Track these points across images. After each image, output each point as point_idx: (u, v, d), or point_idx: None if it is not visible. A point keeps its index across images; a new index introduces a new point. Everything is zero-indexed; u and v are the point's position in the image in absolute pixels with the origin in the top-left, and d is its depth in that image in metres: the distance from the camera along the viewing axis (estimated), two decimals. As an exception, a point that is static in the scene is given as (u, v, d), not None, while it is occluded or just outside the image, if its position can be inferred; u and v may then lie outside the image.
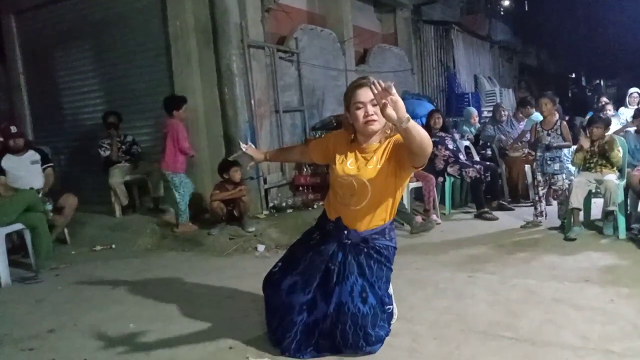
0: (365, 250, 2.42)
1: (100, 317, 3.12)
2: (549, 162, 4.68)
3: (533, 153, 5.20)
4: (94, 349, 2.64)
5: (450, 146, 5.77)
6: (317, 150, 2.63)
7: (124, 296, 3.51)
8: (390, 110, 1.91)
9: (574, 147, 4.81)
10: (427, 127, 5.94)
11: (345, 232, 2.41)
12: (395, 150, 2.32)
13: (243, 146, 2.87)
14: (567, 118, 6.28)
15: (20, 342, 2.81)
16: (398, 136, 2.28)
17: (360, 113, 2.30)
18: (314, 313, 2.41)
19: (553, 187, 4.78)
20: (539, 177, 4.76)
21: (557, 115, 4.78)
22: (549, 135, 4.67)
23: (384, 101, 1.90)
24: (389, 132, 2.38)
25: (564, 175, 4.73)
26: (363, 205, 2.38)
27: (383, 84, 1.89)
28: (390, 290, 2.68)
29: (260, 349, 2.49)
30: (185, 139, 5.01)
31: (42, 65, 6.99)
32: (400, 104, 1.90)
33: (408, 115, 1.94)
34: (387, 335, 2.47)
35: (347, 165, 2.41)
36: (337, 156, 2.46)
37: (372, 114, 2.28)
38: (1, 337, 2.89)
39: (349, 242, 2.41)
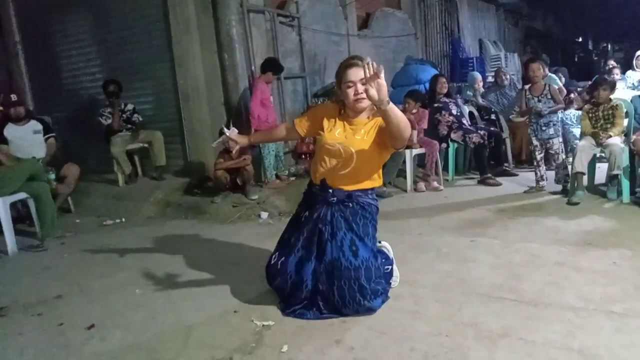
0: (351, 206, 2.51)
1: (106, 283, 3.16)
2: (543, 128, 4.68)
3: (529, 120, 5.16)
4: (100, 314, 2.68)
5: (454, 112, 5.71)
6: (304, 123, 2.69)
7: (130, 263, 3.54)
8: (373, 92, 2.06)
9: (574, 112, 4.76)
10: (432, 91, 5.87)
11: (331, 190, 2.51)
12: (379, 132, 2.43)
13: (226, 131, 2.78)
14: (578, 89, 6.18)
15: (28, 308, 2.86)
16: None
17: (351, 91, 2.42)
18: (315, 276, 2.47)
19: (550, 151, 4.76)
20: (535, 142, 4.75)
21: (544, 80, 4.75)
22: (539, 101, 4.63)
23: (371, 83, 2.05)
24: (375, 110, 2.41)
25: (560, 139, 4.71)
26: (348, 170, 2.48)
27: (374, 68, 2.04)
28: (390, 253, 2.73)
29: (264, 312, 2.53)
30: (257, 103, 5.04)
31: (39, 33, 6.87)
32: (384, 87, 2.06)
33: (388, 99, 2.11)
34: (384, 291, 2.51)
35: (335, 133, 2.51)
36: (326, 124, 2.55)
37: (362, 93, 2.38)
38: (10, 303, 2.94)
39: (335, 199, 2.50)
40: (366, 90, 2.10)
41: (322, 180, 2.55)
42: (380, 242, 2.77)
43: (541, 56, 6.71)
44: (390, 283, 2.66)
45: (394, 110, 2.16)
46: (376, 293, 2.42)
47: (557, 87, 5.00)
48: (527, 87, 4.89)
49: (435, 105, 5.73)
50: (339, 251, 2.42)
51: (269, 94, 5.30)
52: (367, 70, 2.05)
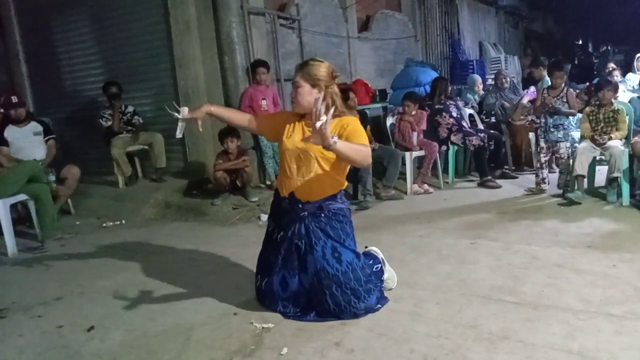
0: (323, 215, 2.46)
1: (106, 285, 3.16)
2: (552, 130, 4.66)
3: (537, 121, 5.15)
4: (100, 316, 2.68)
5: (454, 114, 5.72)
6: (268, 123, 2.69)
7: (129, 265, 3.54)
8: (314, 140, 2.13)
9: (580, 116, 4.76)
10: (432, 94, 5.87)
11: (300, 205, 2.46)
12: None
13: (178, 115, 2.53)
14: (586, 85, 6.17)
15: (28, 309, 2.85)
16: (346, 122, 2.41)
17: (294, 92, 2.48)
18: (304, 287, 2.49)
19: (556, 154, 4.75)
20: (542, 144, 4.74)
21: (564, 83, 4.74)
22: (555, 100, 4.62)
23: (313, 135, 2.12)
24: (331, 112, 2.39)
25: (567, 144, 4.70)
26: (311, 176, 2.44)
27: (319, 124, 2.04)
28: (378, 254, 2.73)
29: (264, 314, 2.52)
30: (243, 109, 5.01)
31: (40, 34, 6.88)
32: (325, 133, 2.06)
33: (335, 139, 2.12)
34: (376, 287, 2.51)
35: (295, 138, 2.48)
36: (287, 130, 2.53)
37: (294, 96, 2.45)
38: (9, 305, 2.93)
39: (305, 213, 2.46)
40: (309, 138, 2.16)
41: (290, 194, 2.49)
42: (366, 247, 2.80)
43: (540, 58, 6.66)
44: (383, 281, 2.66)
45: (346, 148, 2.19)
46: (369, 292, 2.42)
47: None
48: (546, 87, 4.91)
49: (436, 107, 5.73)
50: (322, 261, 2.40)
51: (262, 98, 5.24)
52: (313, 118, 2.07)
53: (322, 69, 2.43)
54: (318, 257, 2.41)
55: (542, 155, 4.76)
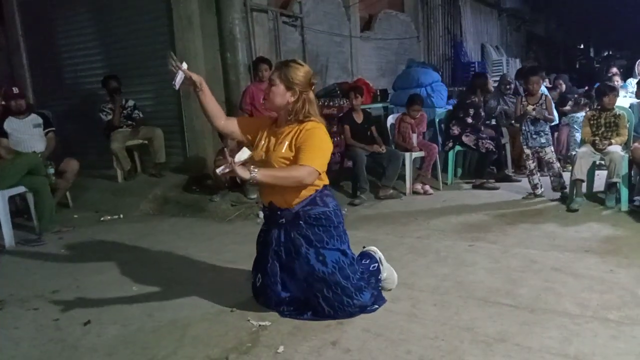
0: (302, 222, 2.42)
1: (103, 279, 3.15)
2: (534, 136, 4.73)
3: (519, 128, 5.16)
4: (97, 310, 2.67)
5: (478, 117, 5.64)
6: (246, 124, 2.61)
7: (127, 259, 3.54)
8: (238, 175, 2.16)
9: (581, 115, 4.78)
10: (472, 90, 5.80)
11: (279, 212, 2.44)
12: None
13: (183, 66, 2.39)
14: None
15: (25, 302, 2.85)
16: (305, 127, 2.38)
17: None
18: (295, 293, 2.50)
19: (544, 159, 4.77)
20: (526, 151, 4.77)
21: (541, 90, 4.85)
22: (534, 109, 4.64)
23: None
24: (290, 117, 2.42)
25: (552, 148, 4.74)
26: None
27: (218, 171, 2.16)
28: (376, 254, 2.71)
29: (261, 312, 2.52)
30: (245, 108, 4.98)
31: (42, 27, 6.87)
32: (237, 172, 2.14)
33: (254, 174, 2.17)
34: (368, 284, 2.49)
35: (259, 147, 2.46)
36: (258, 137, 2.51)
37: (267, 93, 2.43)
38: (6, 297, 2.93)
39: (283, 220, 2.44)
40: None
41: (269, 203, 2.47)
42: (364, 247, 2.79)
43: (542, 62, 6.64)
44: (380, 280, 2.65)
45: (269, 177, 2.24)
46: (360, 289, 2.41)
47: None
48: (524, 95, 4.97)
49: (468, 101, 5.64)
50: (308, 267, 2.39)
51: (263, 96, 5.20)
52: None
53: (300, 73, 2.39)
54: (303, 264, 2.40)
55: (529, 162, 4.79)
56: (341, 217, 2.52)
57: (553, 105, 4.85)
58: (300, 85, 2.38)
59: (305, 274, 2.41)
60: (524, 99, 4.79)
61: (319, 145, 2.35)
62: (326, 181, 2.49)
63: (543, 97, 4.75)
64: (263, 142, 2.48)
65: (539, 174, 4.84)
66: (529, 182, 4.84)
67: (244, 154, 2.26)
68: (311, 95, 2.45)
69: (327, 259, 2.39)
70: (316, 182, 2.41)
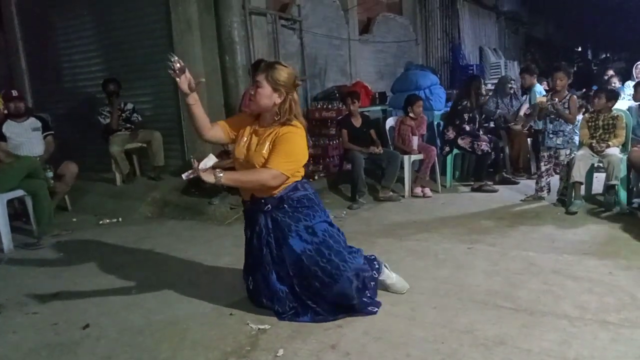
0: (287, 207, 2.46)
1: (102, 283, 3.15)
2: (551, 135, 4.61)
3: (535, 127, 5.13)
4: (96, 313, 2.67)
5: (473, 122, 5.62)
6: (233, 123, 2.62)
7: (126, 263, 3.53)
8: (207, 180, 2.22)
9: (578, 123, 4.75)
10: (467, 93, 5.69)
11: (263, 200, 2.47)
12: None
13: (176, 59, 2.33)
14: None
15: (23, 306, 2.84)
16: (282, 131, 2.41)
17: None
18: (287, 279, 2.50)
19: (556, 161, 4.73)
20: (543, 152, 4.70)
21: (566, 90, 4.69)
22: (548, 102, 4.51)
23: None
24: (277, 118, 2.44)
25: (567, 151, 4.64)
26: None
27: (184, 176, 2.21)
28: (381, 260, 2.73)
29: (260, 315, 2.52)
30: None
31: (41, 30, 6.87)
32: (204, 178, 2.21)
33: (218, 177, 2.23)
34: (352, 257, 2.46)
35: (241, 145, 2.50)
36: (240, 135, 2.54)
37: (253, 94, 2.43)
38: (4, 301, 2.92)
39: (269, 207, 2.47)
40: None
41: (251, 195, 2.52)
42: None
43: (531, 66, 6.57)
44: (376, 269, 2.65)
45: (235, 181, 2.35)
46: (352, 252, 2.48)
47: (540, 96, 4.95)
48: (542, 94, 4.91)
49: (459, 107, 5.60)
50: (302, 243, 2.42)
51: None
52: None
53: (285, 75, 2.41)
54: (296, 242, 2.42)
55: (542, 163, 4.71)
56: (320, 201, 2.60)
57: (577, 105, 4.69)
58: (286, 86, 2.42)
59: (297, 255, 2.41)
60: (551, 97, 4.60)
61: (290, 150, 2.40)
62: (303, 173, 2.56)
63: (567, 97, 4.57)
64: (245, 138, 2.51)
65: (547, 177, 4.72)
66: (536, 183, 4.79)
67: (210, 160, 2.30)
68: (296, 96, 2.49)
69: (317, 229, 2.45)
70: (295, 174, 2.48)
